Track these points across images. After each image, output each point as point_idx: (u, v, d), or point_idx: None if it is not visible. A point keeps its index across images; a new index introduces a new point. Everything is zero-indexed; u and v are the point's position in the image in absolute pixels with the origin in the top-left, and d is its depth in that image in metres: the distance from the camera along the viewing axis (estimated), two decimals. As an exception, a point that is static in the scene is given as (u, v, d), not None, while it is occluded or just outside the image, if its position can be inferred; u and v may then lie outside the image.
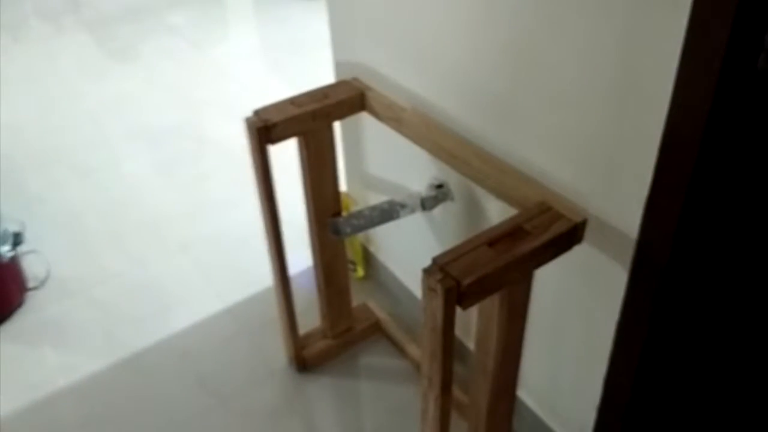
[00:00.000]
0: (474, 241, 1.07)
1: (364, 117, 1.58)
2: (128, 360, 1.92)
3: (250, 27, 4.17)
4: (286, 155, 1.58)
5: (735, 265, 1.20)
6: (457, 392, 1.64)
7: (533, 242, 1.07)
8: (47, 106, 3.25)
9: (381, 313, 1.94)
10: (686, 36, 0.91)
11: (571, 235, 1.11)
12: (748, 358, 1.32)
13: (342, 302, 1.83)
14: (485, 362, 1.23)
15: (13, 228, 2.10)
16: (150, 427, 1.74)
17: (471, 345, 1.71)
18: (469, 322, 1.64)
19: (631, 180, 1.08)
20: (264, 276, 1.64)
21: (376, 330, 1.93)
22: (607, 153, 1.11)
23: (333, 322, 1.84)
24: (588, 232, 1.17)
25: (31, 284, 2.16)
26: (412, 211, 1.59)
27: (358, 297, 1.95)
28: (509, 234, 1.08)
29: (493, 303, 1.13)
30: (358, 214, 1.61)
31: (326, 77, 1.80)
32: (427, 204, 1.56)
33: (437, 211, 1.61)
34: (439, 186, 1.56)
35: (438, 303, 1.01)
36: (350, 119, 1.61)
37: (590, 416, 1.41)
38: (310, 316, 1.86)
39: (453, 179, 1.51)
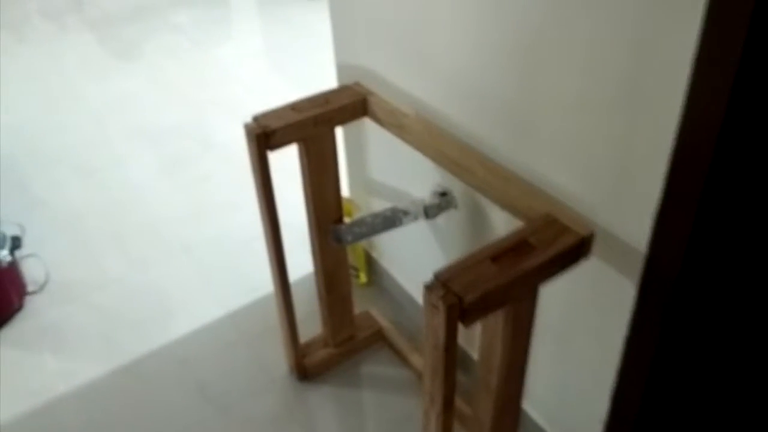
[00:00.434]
0: (477, 255, 1.04)
1: (368, 121, 1.55)
2: (128, 366, 1.90)
3: (254, 27, 4.14)
4: (287, 155, 1.54)
5: (747, 281, 1.16)
6: (459, 403, 1.62)
7: (539, 257, 1.03)
8: (49, 106, 3.23)
9: (384, 321, 1.91)
10: (699, 43, 0.87)
11: (578, 250, 1.08)
12: (760, 374, 1.29)
13: (344, 310, 1.80)
14: (488, 379, 1.19)
15: (12, 231, 2.08)
16: (149, 436, 1.72)
17: (474, 354, 1.68)
18: (473, 331, 1.61)
19: (641, 191, 1.04)
20: (266, 281, 1.61)
21: (379, 338, 1.90)
22: (615, 162, 1.07)
23: (335, 330, 1.81)
24: (595, 244, 1.13)
25: (30, 288, 2.13)
26: (415, 218, 1.55)
27: (360, 303, 1.92)
28: (514, 248, 1.05)
29: (497, 319, 1.09)
30: (360, 222, 1.58)
31: (330, 78, 1.77)
32: (430, 212, 1.52)
33: (441, 218, 1.58)
34: (443, 194, 1.52)
35: (440, 320, 0.98)
36: (353, 123, 1.57)
37: (596, 430, 1.37)
38: (312, 323, 1.83)
39: (457, 187, 1.48)
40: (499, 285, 0.99)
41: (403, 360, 1.84)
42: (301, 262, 1.79)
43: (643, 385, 1.23)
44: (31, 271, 2.17)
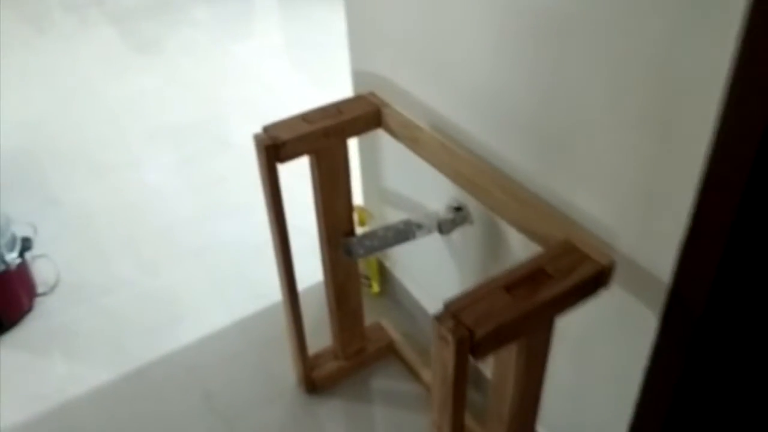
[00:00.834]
0: (490, 284, 0.98)
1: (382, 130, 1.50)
2: (135, 372, 1.87)
3: (274, 24, 4.10)
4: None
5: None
6: (470, 422, 1.57)
7: (555, 288, 0.98)
8: (67, 101, 3.22)
9: (395, 334, 1.86)
10: (735, 64, 0.81)
11: (597, 280, 1.02)
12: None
13: (354, 322, 1.76)
14: (501, 409, 1.14)
15: (23, 232, 2.06)
16: (153, 446, 1.70)
17: (487, 372, 1.63)
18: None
19: (666, 218, 0.98)
20: (275, 288, 1.57)
21: (390, 351, 1.85)
22: (640, 187, 1.01)
23: (345, 343, 1.77)
24: (616, 270, 1.07)
25: (40, 289, 2.12)
26: (429, 232, 1.50)
27: (371, 314, 1.88)
28: (529, 277, 1.00)
29: (510, 352, 1.04)
30: (372, 235, 1.53)
31: (349, 78, 1.71)
32: (444, 228, 1.47)
33: (456, 233, 1.53)
34: (458, 209, 1.47)
35: (449, 353, 0.93)
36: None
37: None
38: (322, 332, 1.79)
39: (472, 202, 1.42)
40: (513, 318, 0.94)
41: (414, 375, 1.80)
42: (312, 268, 1.75)
43: (663, 418, 1.17)
44: (41, 272, 2.16)
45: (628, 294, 1.11)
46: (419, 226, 1.50)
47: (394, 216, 1.81)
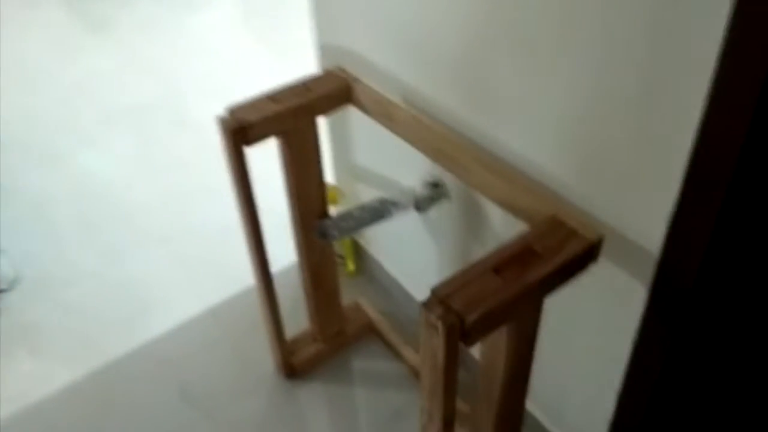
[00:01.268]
0: (478, 267, 0.94)
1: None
2: (105, 368, 1.80)
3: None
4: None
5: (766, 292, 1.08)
6: (458, 402, 1.54)
7: (545, 267, 0.94)
8: (17, 86, 3.06)
9: (373, 313, 1.82)
10: (727, 36, 0.77)
11: (586, 256, 0.99)
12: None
13: (332, 304, 1.72)
14: (490, 390, 1.11)
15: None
16: (130, 443, 1.64)
17: (475, 352, 1.60)
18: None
19: (655, 189, 0.95)
20: (248, 271, 1.51)
21: (369, 331, 1.82)
22: (627, 157, 0.98)
23: (322, 325, 1.73)
24: (604, 244, 1.04)
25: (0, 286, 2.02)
26: (406, 210, 1.46)
27: (348, 294, 1.83)
28: (518, 257, 0.96)
29: (500, 334, 1.01)
30: (347, 216, 1.48)
31: (313, 50, 1.64)
32: (421, 205, 1.43)
33: (433, 209, 1.48)
34: (435, 184, 1.43)
35: (439, 341, 0.89)
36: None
37: (602, 430, 1.31)
38: (298, 315, 1.74)
39: (450, 177, 1.37)
40: (504, 301, 0.90)
41: (395, 353, 1.77)
42: (284, 249, 1.68)
43: (650, 390, 1.16)
44: (-1, 268, 2.06)
45: (617, 267, 1.09)
46: (395, 204, 1.46)
47: (366, 194, 1.75)
